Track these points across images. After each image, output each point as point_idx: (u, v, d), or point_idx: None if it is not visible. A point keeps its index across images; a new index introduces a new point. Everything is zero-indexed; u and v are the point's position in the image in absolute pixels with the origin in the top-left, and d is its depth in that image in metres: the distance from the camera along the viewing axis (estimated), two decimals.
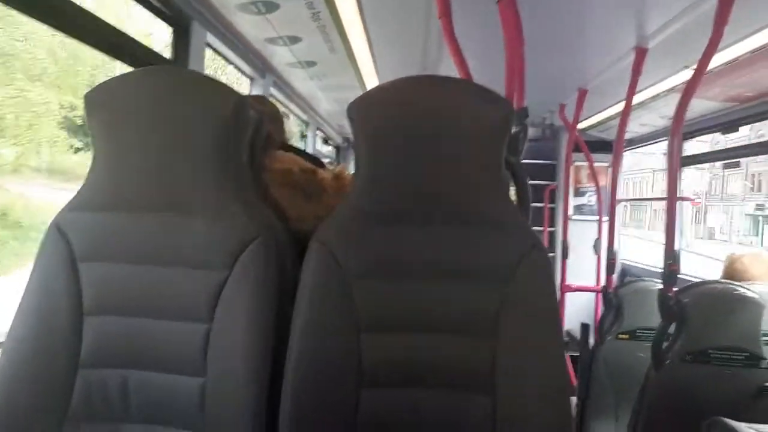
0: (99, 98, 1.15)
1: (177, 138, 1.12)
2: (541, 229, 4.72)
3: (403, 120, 1.11)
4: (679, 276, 1.84)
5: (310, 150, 4.37)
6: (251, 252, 1.08)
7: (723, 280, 2.08)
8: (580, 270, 4.09)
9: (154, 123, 1.13)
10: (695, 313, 1.77)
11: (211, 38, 2.24)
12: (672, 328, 1.83)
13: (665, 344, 1.82)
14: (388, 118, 1.11)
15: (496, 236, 1.08)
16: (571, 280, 4.00)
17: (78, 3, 1.51)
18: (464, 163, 1.09)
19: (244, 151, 1.15)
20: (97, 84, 1.17)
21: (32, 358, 1.08)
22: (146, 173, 1.13)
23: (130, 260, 1.11)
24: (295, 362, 1.05)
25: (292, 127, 3.89)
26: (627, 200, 4.78)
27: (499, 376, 1.03)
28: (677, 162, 1.96)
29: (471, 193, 1.09)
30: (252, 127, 1.17)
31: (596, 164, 3.84)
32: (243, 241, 1.09)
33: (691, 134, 3.58)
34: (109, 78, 1.19)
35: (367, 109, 1.12)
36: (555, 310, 1.06)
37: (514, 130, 1.15)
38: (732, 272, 2.18)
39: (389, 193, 1.11)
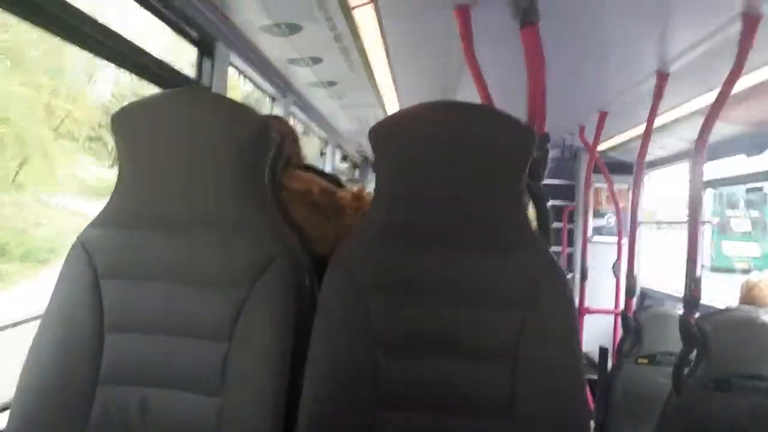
0: (126, 119, 1.18)
1: (201, 158, 1.15)
2: (559, 249, 4.68)
3: (424, 145, 1.12)
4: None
5: (328, 167, 4.41)
6: (272, 272, 1.10)
7: (745, 306, 2.05)
8: (599, 292, 4.04)
9: (178, 144, 1.15)
10: (717, 339, 1.75)
11: (234, 58, 2.28)
12: (693, 355, 1.80)
13: (686, 370, 1.79)
14: (409, 143, 1.13)
15: (516, 261, 1.08)
16: (590, 303, 3.96)
17: (106, 24, 1.55)
18: (484, 189, 1.10)
19: (265, 172, 1.17)
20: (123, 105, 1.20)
21: (52, 373, 1.09)
22: (170, 192, 1.15)
23: (152, 278, 1.12)
24: (313, 382, 1.05)
25: (312, 144, 3.94)
26: (648, 222, 4.72)
27: (517, 401, 1.03)
28: (699, 185, 1.94)
29: (490, 218, 1.10)
30: (274, 149, 1.19)
31: (616, 186, 3.82)
32: (264, 260, 1.10)
33: (713, 157, 3.55)
34: (137, 99, 1.22)
35: (388, 134, 1.14)
36: (575, 335, 1.05)
37: (536, 154, 1.16)
38: (750, 298, 2.15)
39: (409, 215, 1.11)
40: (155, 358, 1.10)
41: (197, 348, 1.09)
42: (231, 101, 1.32)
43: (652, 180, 4.84)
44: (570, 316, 1.05)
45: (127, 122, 1.18)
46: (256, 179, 1.15)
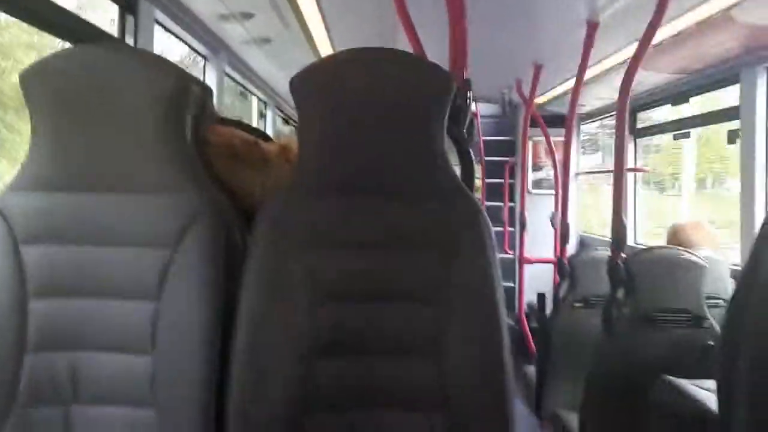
0: (36, 76, 1.12)
1: (119, 115, 1.11)
2: (501, 204, 4.80)
3: (344, 93, 1.11)
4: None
5: (270, 130, 4.33)
6: (197, 228, 1.08)
7: (668, 245, 2.16)
8: (541, 243, 4.18)
9: (94, 100, 1.10)
10: (641, 277, 1.84)
11: (159, 15, 2.18)
12: (621, 294, 1.90)
13: (615, 310, 1.89)
14: (329, 92, 1.12)
15: (439, 205, 1.09)
16: (531, 254, 4.09)
17: None
18: (404, 135, 1.11)
19: (187, 127, 1.14)
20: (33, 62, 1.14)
21: None
22: (88, 152, 1.11)
23: (75, 241, 1.09)
24: (245, 336, 1.05)
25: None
26: (583, 173, 4.88)
27: (443, 343, 1.06)
28: (624, 133, 2.01)
29: (412, 165, 1.11)
30: (195, 103, 1.16)
31: (554, 138, 3.91)
32: (189, 217, 1.08)
33: (642, 107, 3.67)
34: (47, 55, 1.16)
35: (308, 83, 1.13)
36: (496, 279, 1.07)
37: (458, 101, 1.17)
38: (675, 241, 2.27)
39: (333, 166, 1.11)
40: (83, 322, 1.08)
41: (126, 309, 1.08)
42: (150, 54, 1.27)
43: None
44: (490, 259, 1.07)
45: (38, 79, 1.12)
46: (178, 135, 1.12)
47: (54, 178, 1.10)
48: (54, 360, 1.08)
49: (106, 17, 2.06)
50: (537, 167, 4.83)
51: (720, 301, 1.91)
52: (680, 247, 2.03)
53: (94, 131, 1.10)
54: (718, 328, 1.81)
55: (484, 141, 4.82)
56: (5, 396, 1.06)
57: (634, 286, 1.84)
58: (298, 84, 1.12)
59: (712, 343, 1.78)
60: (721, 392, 1.00)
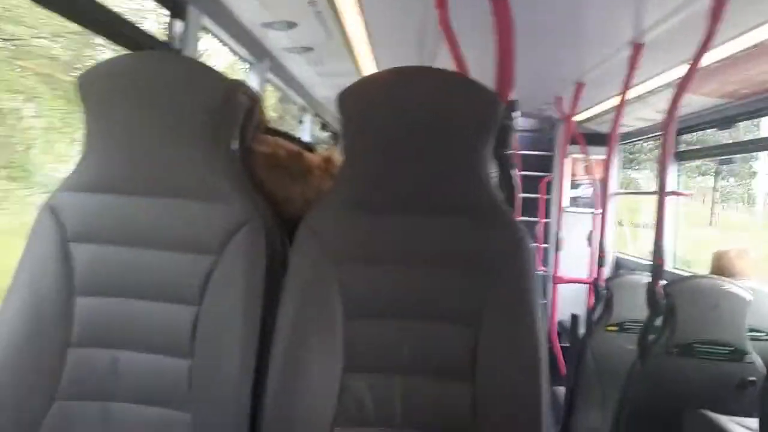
0: (92, 80, 1.16)
1: (169, 122, 1.13)
2: (536, 220, 4.74)
3: (391, 111, 1.12)
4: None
5: (307, 136, 4.37)
6: (241, 236, 1.10)
7: (710, 275, 2.10)
8: (575, 262, 4.12)
9: (146, 107, 1.14)
10: (682, 306, 1.80)
11: (206, 21, 2.23)
12: (659, 321, 1.85)
13: (652, 337, 1.84)
14: (376, 109, 1.13)
15: (482, 228, 1.09)
16: (565, 272, 4.03)
17: None
18: (450, 155, 1.10)
19: (235, 136, 1.16)
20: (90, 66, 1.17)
21: (22, 337, 1.09)
22: (138, 156, 1.14)
23: (122, 242, 1.12)
24: (282, 345, 1.07)
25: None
26: (622, 193, 4.79)
27: (479, 365, 1.05)
28: (669, 156, 1.97)
29: (457, 185, 1.10)
30: (243, 113, 1.18)
31: (593, 157, 3.85)
32: (233, 224, 1.10)
33: (686, 129, 3.59)
34: (102, 61, 1.19)
35: (355, 99, 1.14)
36: (534, 304, 1.06)
37: (504, 122, 1.16)
38: (718, 268, 2.20)
39: (376, 181, 1.12)
40: (126, 321, 1.11)
41: (168, 311, 1.10)
42: (199, 64, 1.29)
43: None
44: (530, 286, 1.07)
45: (93, 84, 1.16)
46: (226, 144, 1.14)
47: (104, 180, 1.14)
48: (96, 356, 1.10)
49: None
50: (574, 185, 4.76)
51: (763, 335, 1.84)
52: (723, 277, 1.98)
53: (144, 137, 1.13)
54: (760, 363, 1.75)
55: (521, 155, 4.78)
56: (48, 388, 1.09)
57: (672, 314, 1.80)
58: (345, 99, 1.13)
59: (753, 378, 1.72)
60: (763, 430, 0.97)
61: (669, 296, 1.80)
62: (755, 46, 2.12)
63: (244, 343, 1.07)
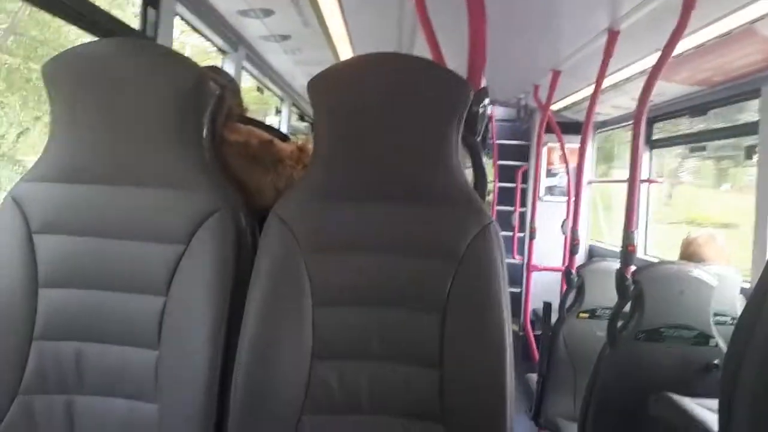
0: (58, 69, 1.14)
1: (137, 110, 1.12)
2: (512, 209, 4.78)
3: (360, 98, 1.12)
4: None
5: (284, 126, 4.34)
6: (210, 225, 1.09)
7: (678, 261, 2.14)
8: (551, 250, 4.16)
9: (113, 94, 1.12)
10: (649, 292, 1.83)
11: (180, 9, 2.20)
12: (628, 307, 1.89)
13: (621, 323, 1.88)
14: (346, 96, 1.13)
15: (451, 214, 1.09)
16: (540, 261, 4.08)
17: None
18: (419, 141, 1.11)
19: (204, 124, 1.15)
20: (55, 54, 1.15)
21: None
22: (105, 145, 1.12)
23: (87, 233, 1.11)
24: (249, 335, 1.07)
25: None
26: (596, 182, 4.84)
27: (446, 350, 1.06)
28: (640, 144, 2.00)
29: (425, 172, 1.11)
30: (213, 100, 1.17)
31: (569, 145, 3.89)
32: (202, 213, 1.10)
33: (659, 117, 3.64)
34: (68, 48, 1.17)
35: (325, 87, 1.13)
36: (501, 290, 1.07)
37: (474, 109, 1.17)
38: (687, 254, 2.25)
39: (346, 169, 1.12)
40: (91, 313, 1.10)
41: (134, 302, 1.09)
42: (169, 51, 1.28)
43: None
44: (497, 272, 1.08)
45: (59, 72, 1.14)
46: (195, 131, 1.13)
47: (70, 169, 1.12)
48: (60, 349, 1.09)
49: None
50: (550, 174, 4.80)
51: (728, 319, 1.89)
52: (690, 263, 2.02)
53: (112, 125, 1.12)
54: (724, 346, 1.79)
55: (498, 145, 4.80)
56: (11, 382, 1.08)
57: (640, 299, 1.83)
58: (315, 86, 1.13)
59: (717, 362, 1.76)
60: (722, 413, 0.99)
61: (637, 282, 1.84)
62: (727, 33, 2.15)
63: (212, 333, 1.07)
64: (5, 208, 1.12)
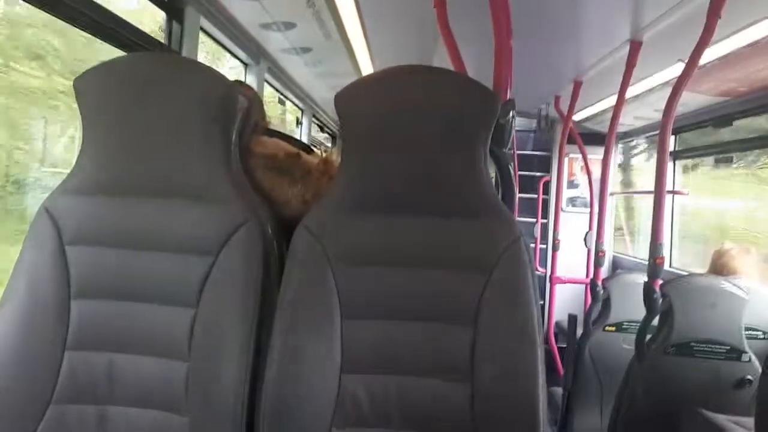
0: (89, 83, 1.16)
1: (167, 124, 1.13)
2: (534, 220, 4.74)
3: (388, 111, 1.12)
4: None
5: (305, 137, 4.37)
6: (239, 237, 1.10)
7: (707, 274, 2.10)
8: (573, 262, 4.11)
9: (144, 108, 1.13)
10: (678, 306, 1.79)
11: (204, 23, 2.23)
12: (656, 321, 1.85)
13: (649, 336, 1.84)
14: (373, 109, 1.13)
15: (479, 227, 1.09)
16: (563, 272, 4.03)
17: None
18: (447, 154, 1.10)
19: (232, 136, 1.16)
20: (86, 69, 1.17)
21: (19, 341, 1.08)
22: (135, 158, 1.13)
23: (119, 244, 1.12)
24: (279, 347, 1.07)
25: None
26: (619, 193, 4.79)
27: (476, 365, 1.05)
28: (666, 155, 1.97)
29: (454, 184, 1.10)
30: (241, 113, 1.18)
31: (591, 157, 3.85)
32: (231, 225, 1.10)
33: (684, 128, 3.59)
34: (98, 63, 1.19)
35: (352, 100, 1.13)
36: (533, 303, 1.07)
37: (501, 121, 1.16)
38: (718, 266, 2.20)
39: (375, 182, 1.12)
40: (122, 324, 1.10)
41: (165, 313, 1.10)
42: (197, 64, 1.29)
43: None
44: (527, 284, 1.07)
45: (90, 86, 1.15)
46: (224, 144, 1.14)
47: (102, 182, 1.13)
48: (92, 359, 1.10)
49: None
50: (572, 185, 4.76)
51: (759, 333, 1.84)
52: (720, 276, 1.98)
53: (142, 138, 1.13)
54: (756, 361, 1.75)
55: (519, 155, 4.78)
56: (44, 391, 1.09)
57: (669, 313, 1.80)
58: (343, 98, 1.13)
59: (750, 377, 1.72)
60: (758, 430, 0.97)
61: (666, 295, 1.80)
62: (753, 43, 2.12)
63: (241, 345, 1.07)
64: (38, 219, 1.13)
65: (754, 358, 1.77)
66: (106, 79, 1.16)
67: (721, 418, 1.49)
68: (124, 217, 1.12)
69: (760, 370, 1.75)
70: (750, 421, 1.07)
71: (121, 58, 1.24)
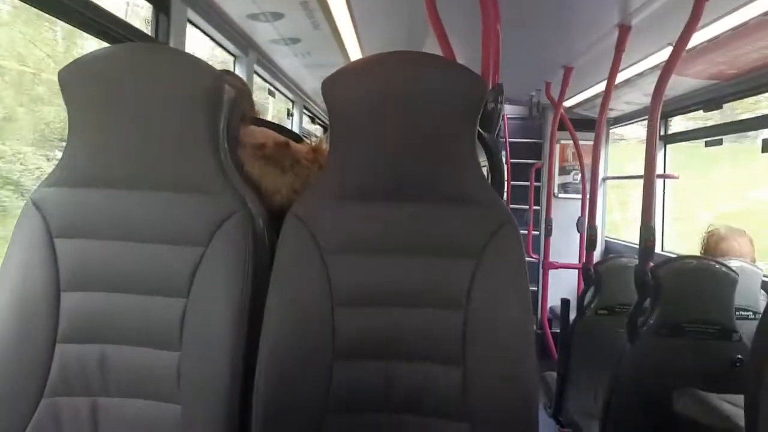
0: (74, 74, 1.15)
1: (154, 114, 1.13)
2: (526, 207, 4.76)
3: (375, 97, 1.11)
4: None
5: (296, 129, 4.35)
6: (228, 227, 1.10)
7: (698, 255, 2.12)
8: (566, 248, 4.13)
9: (130, 99, 1.13)
10: (670, 287, 1.81)
11: (192, 14, 2.22)
12: (648, 303, 1.86)
13: (641, 319, 1.86)
14: (361, 95, 1.12)
15: (469, 212, 1.09)
16: (556, 258, 4.05)
17: None
18: (435, 140, 1.10)
19: (221, 126, 1.16)
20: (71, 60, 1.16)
21: (9, 334, 1.08)
22: (123, 150, 1.13)
23: (107, 236, 1.11)
24: (270, 335, 1.07)
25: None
26: (611, 178, 4.81)
27: (468, 349, 1.06)
28: (656, 139, 1.98)
29: (443, 170, 1.10)
30: (229, 103, 1.17)
31: (582, 142, 3.86)
32: (220, 215, 1.10)
33: (673, 112, 3.61)
34: (83, 54, 1.18)
35: (339, 87, 1.13)
36: (525, 286, 1.07)
37: (489, 106, 1.16)
38: (709, 247, 2.21)
39: (363, 169, 1.12)
40: (113, 316, 1.10)
41: (155, 305, 1.10)
42: (184, 54, 1.29)
43: None
44: (519, 268, 1.07)
45: (75, 78, 1.15)
46: (212, 134, 1.14)
47: (89, 174, 1.13)
48: (84, 352, 1.10)
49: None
50: (564, 171, 4.77)
51: (750, 314, 1.86)
52: (710, 257, 1.99)
53: (130, 129, 1.13)
54: (747, 341, 1.77)
55: (511, 143, 4.78)
56: (36, 385, 1.09)
57: (661, 295, 1.81)
58: (329, 86, 1.13)
59: (741, 357, 1.74)
60: (748, 410, 0.98)
61: (656, 278, 1.82)
62: (740, 26, 2.13)
63: (233, 334, 1.07)
64: (26, 212, 1.13)
65: (744, 338, 1.79)
66: (91, 70, 1.15)
67: (713, 397, 1.50)
68: (112, 209, 1.12)
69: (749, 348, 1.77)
70: (740, 399, 1.09)
71: (106, 49, 1.23)
